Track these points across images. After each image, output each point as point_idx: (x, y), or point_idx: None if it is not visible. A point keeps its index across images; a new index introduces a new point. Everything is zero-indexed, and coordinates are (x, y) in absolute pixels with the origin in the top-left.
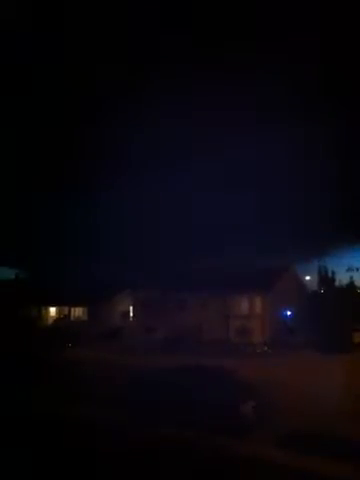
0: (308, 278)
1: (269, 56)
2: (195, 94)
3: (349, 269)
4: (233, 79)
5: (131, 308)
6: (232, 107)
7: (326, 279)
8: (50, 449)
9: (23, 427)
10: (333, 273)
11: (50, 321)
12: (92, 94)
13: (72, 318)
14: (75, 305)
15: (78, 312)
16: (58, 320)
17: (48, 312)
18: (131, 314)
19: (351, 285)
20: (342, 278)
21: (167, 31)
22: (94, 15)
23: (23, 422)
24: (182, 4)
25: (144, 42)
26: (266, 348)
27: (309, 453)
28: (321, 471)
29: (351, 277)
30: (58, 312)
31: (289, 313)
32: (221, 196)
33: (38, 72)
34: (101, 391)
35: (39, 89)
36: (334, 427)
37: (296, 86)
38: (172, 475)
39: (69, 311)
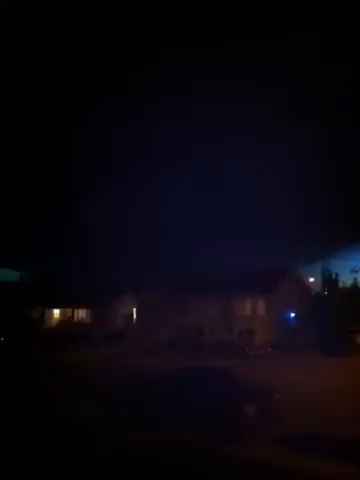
0: (312, 280)
1: (270, 55)
2: (194, 93)
3: (353, 271)
4: (233, 77)
5: (134, 310)
6: (231, 106)
7: (330, 281)
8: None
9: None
10: (337, 275)
11: (54, 323)
12: (92, 94)
13: (76, 320)
14: (79, 307)
15: (82, 314)
16: (62, 322)
17: (52, 314)
18: (134, 316)
19: (355, 286)
20: (346, 280)
21: (166, 29)
22: (92, 12)
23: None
24: (181, 2)
25: (143, 40)
26: (270, 350)
27: (313, 455)
28: (324, 473)
29: (355, 278)
30: (62, 314)
31: (293, 315)
32: (224, 197)
33: (38, 71)
34: (101, 392)
35: (38, 87)
36: (340, 428)
37: (296, 85)
38: (171, 478)
39: (73, 313)
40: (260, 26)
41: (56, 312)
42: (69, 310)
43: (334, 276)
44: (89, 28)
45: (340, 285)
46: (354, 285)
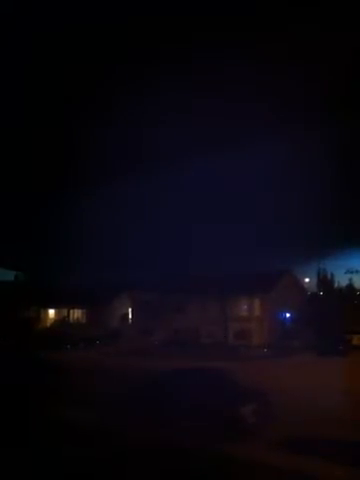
0: (307, 280)
1: (271, 49)
2: (193, 91)
3: (348, 271)
4: (233, 75)
5: (130, 310)
6: (231, 106)
7: (325, 281)
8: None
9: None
10: (332, 275)
11: (49, 323)
12: (92, 93)
13: (71, 320)
14: (74, 307)
15: (77, 314)
16: (57, 322)
17: (47, 314)
18: (130, 316)
19: (350, 287)
20: (341, 280)
21: (166, 27)
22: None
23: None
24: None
25: (141, 36)
26: (266, 350)
27: (313, 456)
28: (324, 475)
29: (350, 279)
30: (57, 314)
31: (288, 315)
32: (220, 198)
33: (38, 70)
34: (97, 393)
35: (38, 87)
36: (339, 429)
37: (296, 85)
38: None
39: (68, 313)
40: (260, 24)
41: (51, 312)
42: (65, 310)
43: (329, 277)
44: (88, 26)
45: (335, 286)
46: (349, 286)
